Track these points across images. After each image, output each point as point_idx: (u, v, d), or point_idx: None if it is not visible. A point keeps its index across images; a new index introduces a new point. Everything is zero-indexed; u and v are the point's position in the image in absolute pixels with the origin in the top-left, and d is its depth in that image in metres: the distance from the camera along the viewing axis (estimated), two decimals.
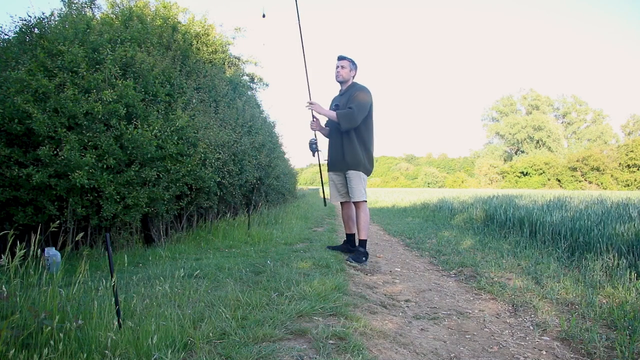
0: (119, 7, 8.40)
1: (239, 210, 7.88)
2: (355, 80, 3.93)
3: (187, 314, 2.00)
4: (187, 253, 4.42)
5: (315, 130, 4.07)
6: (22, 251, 1.72)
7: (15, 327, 1.49)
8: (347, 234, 4.19)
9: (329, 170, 4.02)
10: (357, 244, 3.97)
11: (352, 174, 3.76)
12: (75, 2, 6.41)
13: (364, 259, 3.76)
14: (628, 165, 41.43)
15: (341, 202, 4.06)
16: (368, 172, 3.85)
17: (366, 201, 3.84)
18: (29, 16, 5.24)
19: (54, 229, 2.34)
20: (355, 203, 3.84)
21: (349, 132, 3.73)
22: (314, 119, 4.01)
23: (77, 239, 2.34)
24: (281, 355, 1.62)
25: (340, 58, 3.85)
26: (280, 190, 11.38)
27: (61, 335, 1.50)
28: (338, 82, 3.90)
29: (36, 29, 5.24)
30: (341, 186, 3.95)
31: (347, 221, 4.12)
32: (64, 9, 6.08)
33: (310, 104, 3.72)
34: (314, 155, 4.07)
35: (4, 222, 4.40)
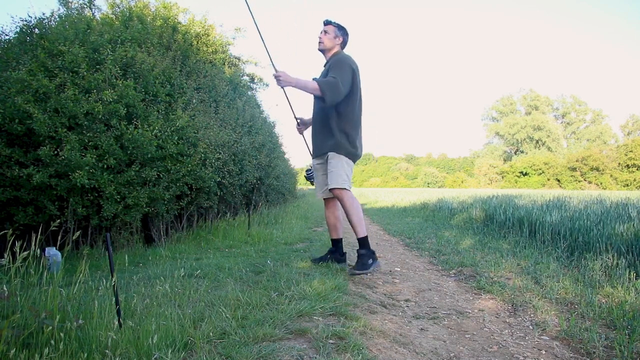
0: (119, 8, 8.41)
1: (239, 210, 7.89)
2: (345, 52, 3.25)
3: (187, 314, 2.00)
4: (187, 253, 4.43)
5: (303, 133, 3.54)
6: (25, 253, 1.73)
7: (16, 327, 1.49)
8: (332, 240, 3.38)
9: (312, 158, 3.38)
10: (335, 247, 3.37)
11: (332, 155, 3.08)
12: (71, 1, 6.42)
13: (370, 261, 3.01)
14: (627, 165, 41.49)
15: (325, 199, 3.33)
16: (352, 156, 3.13)
17: (348, 190, 3.06)
18: (30, 17, 5.27)
19: (54, 228, 2.34)
20: (335, 193, 3.05)
21: (326, 112, 3.09)
22: (299, 124, 3.47)
23: (74, 237, 2.34)
24: (281, 355, 1.63)
25: (326, 23, 3.21)
26: (280, 190, 11.39)
27: (62, 334, 1.50)
28: (319, 51, 3.23)
29: (37, 30, 5.26)
30: (325, 177, 3.22)
31: (334, 223, 3.34)
32: (61, 9, 6.11)
33: (277, 76, 2.90)
34: (313, 184, 3.58)
35: (5, 222, 4.41)
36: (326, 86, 2.91)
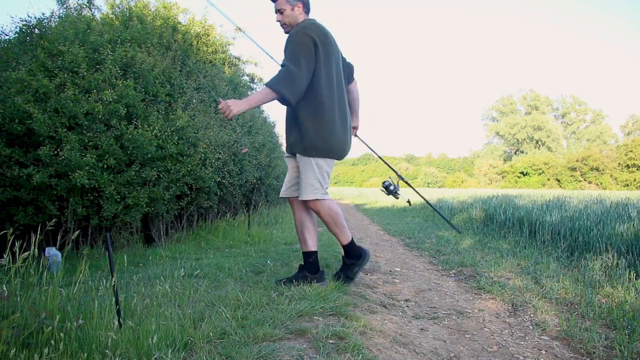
0: (119, 8, 8.41)
1: (239, 210, 7.89)
2: (311, 17, 2.57)
3: (187, 314, 2.00)
4: (187, 253, 4.43)
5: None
6: (26, 253, 1.73)
7: (16, 327, 1.49)
8: (303, 253, 2.69)
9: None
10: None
11: (299, 158, 2.54)
12: (69, 1, 6.44)
13: (356, 269, 2.72)
14: (627, 165, 41.48)
15: (290, 200, 2.73)
16: (327, 153, 2.50)
17: (322, 199, 2.52)
18: (29, 17, 5.27)
19: (50, 227, 2.33)
20: (308, 205, 2.56)
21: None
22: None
23: (73, 237, 2.34)
24: (281, 355, 1.63)
25: (273, 0, 2.54)
26: (280, 190, 11.39)
27: (62, 334, 1.50)
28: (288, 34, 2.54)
29: (36, 30, 5.27)
30: (292, 173, 2.70)
31: (301, 232, 2.66)
32: (60, 10, 6.11)
33: (223, 108, 2.33)
34: (397, 197, 3.11)
35: (5, 222, 4.41)
36: (277, 84, 2.31)
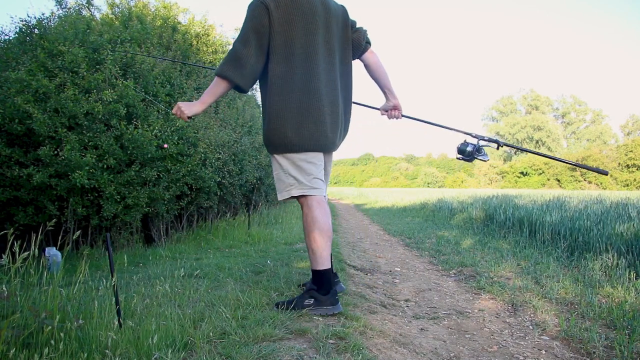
0: (119, 8, 8.41)
1: (239, 210, 7.89)
2: None
3: (187, 314, 2.00)
4: (187, 253, 4.43)
5: (394, 116, 2.37)
6: (26, 253, 1.72)
7: (16, 327, 1.49)
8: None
9: None
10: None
11: (271, 160, 2.20)
12: (68, 2, 6.46)
13: (309, 301, 2.07)
14: (627, 165, 41.49)
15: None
16: (296, 148, 2.02)
17: (306, 195, 2.07)
18: (29, 17, 5.28)
19: (50, 227, 2.33)
20: (299, 201, 2.14)
21: (261, 87, 2.13)
22: (381, 111, 2.43)
23: (74, 237, 2.34)
24: (281, 355, 1.63)
25: None
26: None
27: (62, 334, 1.50)
28: None
29: (36, 30, 5.28)
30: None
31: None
32: (59, 11, 6.12)
33: (177, 113, 2.05)
34: (485, 160, 2.25)
35: (5, 222, 4.41)
36: (223, 69, 1.96)
